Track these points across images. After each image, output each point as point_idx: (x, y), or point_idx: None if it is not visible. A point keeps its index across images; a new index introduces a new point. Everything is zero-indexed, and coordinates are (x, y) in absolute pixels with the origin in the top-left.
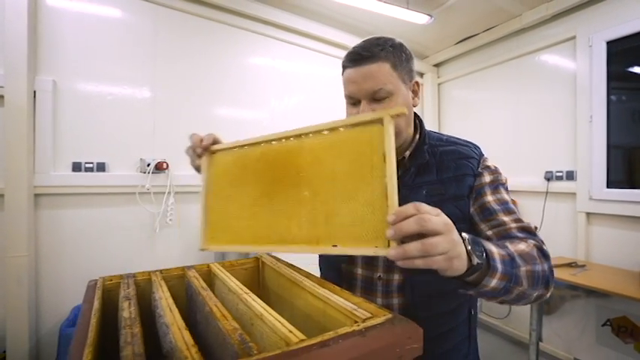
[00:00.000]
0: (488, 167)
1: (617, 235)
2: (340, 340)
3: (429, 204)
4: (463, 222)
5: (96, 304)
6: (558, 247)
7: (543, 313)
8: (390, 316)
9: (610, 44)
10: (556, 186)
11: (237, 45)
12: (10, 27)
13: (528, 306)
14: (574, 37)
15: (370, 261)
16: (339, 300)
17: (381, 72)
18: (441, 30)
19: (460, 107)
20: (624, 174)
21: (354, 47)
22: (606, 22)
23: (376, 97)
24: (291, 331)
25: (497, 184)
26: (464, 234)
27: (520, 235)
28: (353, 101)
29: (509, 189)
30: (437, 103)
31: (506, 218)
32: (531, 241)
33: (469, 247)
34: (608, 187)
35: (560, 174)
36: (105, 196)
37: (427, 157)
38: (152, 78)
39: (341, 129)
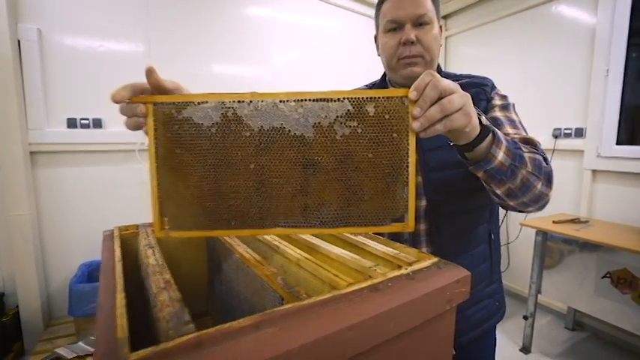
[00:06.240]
0: (499, 93)
1: (622, 192)
2: (390, 284)
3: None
4: None
5: (118, 251)
6: (561, 205)
7: (544, 267)
8: (435, 260)
9: None
10: (563, 143)
11: None
12: None
13: (529, 260)
14: None
15: None
16: (377, 245)
17: (425, 0)
18: None
19: (468, 65)
20: (635, 131)
21: None
22: None
23: (421, 22)
24: (336, 275)
25: (507, 104)
26: None
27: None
28: (395, 26)
29: None
30: (443, 60)
31: (510, 131)
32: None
33: (477, 110)
34: (617, 144)
35: (569, 131)
36: (103, 153)
37: None
38: (146, 31)
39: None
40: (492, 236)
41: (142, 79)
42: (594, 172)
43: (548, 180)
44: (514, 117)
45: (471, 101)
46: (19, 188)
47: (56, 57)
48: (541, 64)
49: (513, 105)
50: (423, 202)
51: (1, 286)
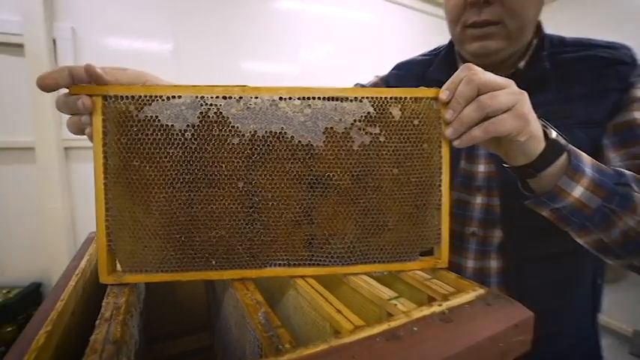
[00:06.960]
0: None
1: None
2: (415, 329)
3: None
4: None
5: (83, 263)
6: None
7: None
8: (481, 291)
9: None
10: None
11: None
12: None
13: None
14: None
15: (461, 211)
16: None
17: None
18: None
19: None
20: None
21: None
22: None
23: None
24: (339, 311)
25: None
26: None
27: None
28: None
29: None
30: None
31: None
32: None
33: (541, 122)
34: None
35: None
36: None
37: (547, 65)
38: (173, 29)
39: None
40: (598, 281)
41: (170, 78)
42: None
43: None
44: None
45: (528, 101)
46: (54, 182)
47: (89, 54)
48: None
49: None
50: (498, 234)
51: (38, 276)
